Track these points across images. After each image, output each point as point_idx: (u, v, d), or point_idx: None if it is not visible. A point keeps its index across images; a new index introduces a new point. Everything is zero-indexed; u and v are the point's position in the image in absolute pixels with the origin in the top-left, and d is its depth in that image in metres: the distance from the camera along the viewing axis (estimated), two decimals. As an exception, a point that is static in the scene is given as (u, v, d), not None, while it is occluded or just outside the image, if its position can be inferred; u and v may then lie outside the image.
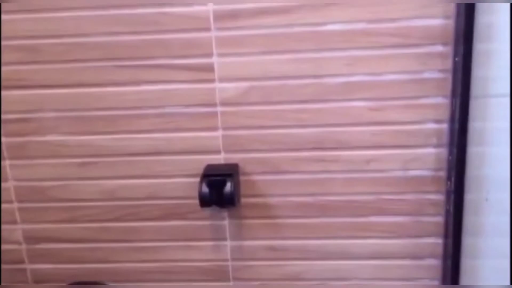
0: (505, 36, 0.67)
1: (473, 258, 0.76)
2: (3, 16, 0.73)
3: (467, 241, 0.75)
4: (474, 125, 0.70)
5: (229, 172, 0.73)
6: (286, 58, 0.72)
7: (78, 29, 0.72)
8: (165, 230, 0.81)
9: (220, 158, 0.76)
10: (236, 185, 0.74)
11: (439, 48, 0.69)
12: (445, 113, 0.72)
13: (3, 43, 0.74)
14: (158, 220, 0.80)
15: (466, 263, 0.76)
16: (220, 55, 0.72)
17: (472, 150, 0.71)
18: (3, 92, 0.76)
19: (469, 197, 0.73)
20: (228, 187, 0.71)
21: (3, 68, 0.75)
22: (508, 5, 0.66)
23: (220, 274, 0.82)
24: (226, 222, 0.80)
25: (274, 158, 0.76)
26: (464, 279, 0.77)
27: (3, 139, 0.78)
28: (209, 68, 0.73)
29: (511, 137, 0.71)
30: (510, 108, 0.70)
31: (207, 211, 0.79)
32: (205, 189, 0.71)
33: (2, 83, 0.76)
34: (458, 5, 0.65)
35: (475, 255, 0.76)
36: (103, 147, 0.77)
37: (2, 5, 0.72)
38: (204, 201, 0.72)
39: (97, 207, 0.80)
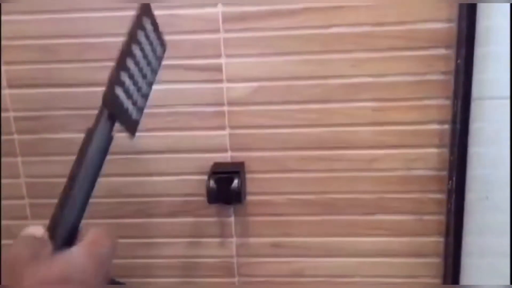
0: (506, 39, 0.69)
1: (474, 257, 0.78)
2: (16, 17, 0.75)
3: (468, 240, 0.77)
4: (475, 126, 0.72)
5: (236, 169, 0.75)
6: (293, 60, 0.74)
7: (90, 30, 0.75)
8: (173, 227, 0.83)
9: (227, 156, 0.78)
10: (243, 183, 0.76)
11: (442, 51, 0.71)
12: (447, 114, 0.73)
13: (16, 43, 0.76)
14: (166, 217, 0.82)
15: (467, 261, 0.78)
16: (228, 56, 0.74)
17: (473, 151, 0.73)
18: (16, 91, 0.78)
19: (470, 196, 0.75)
20: (235, 184, 0.73)
21: (16, 67, 0.77)
22: (509, 9, 0.67)
23: (225, 270, 0.84)
24: (232, 219, 0.82)
25: (279, 156, 0.78)
26: (465, 277, 0.78)
27: (15, 136, 0.80)
28: (218, 69, 0.75)
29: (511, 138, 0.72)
30: (510, 110, 0.71)
31: (213, 208, 0.81)
32: (213, 185, 0.73)
33: (15, 82, 0.78)
34: (461, 9, 0.67)
35: (476, 253, 0.78)
36: (113, 145, 0.79)
37: (16, 5, 0.74)
38: (212, 197, 0.73)
39: (106, 203, 0.82)
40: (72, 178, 0.39)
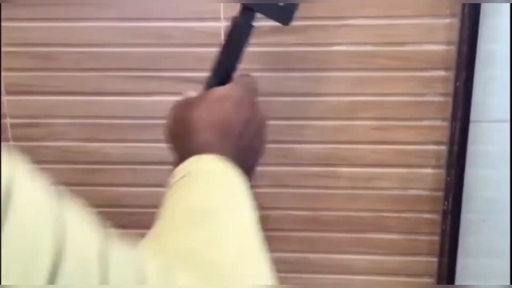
0: (506, 63, 0.70)
1: (468, 278, 0.78)
2: (17, 23, 0.75)
3: (462, 262, 0.77)
4: (473, 148, 0.72)
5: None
6: (293, 76, 0.74)
7: (91, 39, 0.74)
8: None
9: (224, 170, 0.78)
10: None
11: (442, 73, 0.72)
12: (444, 136, 0.74)
13: (17, 49, 0.76)
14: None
15: (460, 283, 0.78)
16: (229, 70, 0.74)
17: (470, 173, 0.74)
18: (15, 97, 0.78)
19: (466, 218, 0.75)
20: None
21: (16, 74, 0.77)
22: (509, 34, 0.68)
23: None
24: (227, 233, 0.81)
25: (276, 171, 0.78)
26: (458, 298, 0.79)
27: (11, 143, 0.80)
28: (218, 82, 0.75)
29: (511, 161, 0.73)
30: (510, 133, 0.72)
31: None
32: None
33: (15, 89, 0.77)
34: (461, 32, 0.68)
35: (470, 276, 0.78)
36: (111, 154, 0.79)
37: (16, 12, 0.74)
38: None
39: (103, 213, 0.81)
40: (222, 48, 0.52)
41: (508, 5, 0.67)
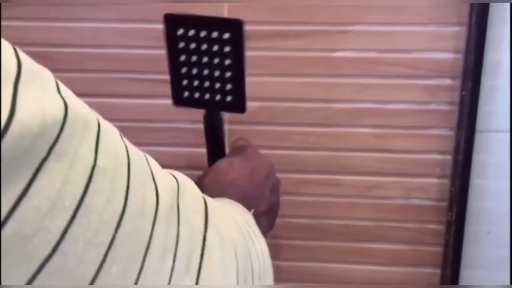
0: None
1: (470, 290, 0.77)
2: (19, 23, 0.74)
3: (465, 273, 0.75)
4: (478, 158, 0.71)
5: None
6: (296, 81, 0.73)
7: (94, 40, 0.74)
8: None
9: (224, 176, 0.77)
10: (239, 203, 0.74)
11: (448, 81, 0.71)
12: (449, 145, 0.73)
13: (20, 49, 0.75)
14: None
15: (462, 294, 0.77)
16: (232, 74, 0.73)
17: (476, 183, 0.72)
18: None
19: (470, 229, 0.74)
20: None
21: (16, 73, 0.76)
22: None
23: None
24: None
25: (278, 178, 0.77)
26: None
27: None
28: (220, 86, 0.74)
29: (514, 172, 0.72)
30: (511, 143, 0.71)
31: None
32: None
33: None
34: (468, 41, 0.67)
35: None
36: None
37: (19, 11, 0.73)
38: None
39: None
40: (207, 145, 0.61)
41: (516, 13, 0.66)
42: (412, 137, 0.73)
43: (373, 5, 0.69)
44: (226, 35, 0.53)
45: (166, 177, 0.35)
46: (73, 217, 0.24)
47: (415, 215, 0.76)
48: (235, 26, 0.53)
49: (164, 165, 0.80)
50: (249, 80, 0.73)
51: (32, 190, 0.22)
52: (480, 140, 0.71)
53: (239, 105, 0.56)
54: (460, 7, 0.68)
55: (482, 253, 0.75)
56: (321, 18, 0.70)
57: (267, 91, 0.73)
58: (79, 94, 0.81)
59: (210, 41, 0.54)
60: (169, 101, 0.75)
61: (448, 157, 0.73)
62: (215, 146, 0.61)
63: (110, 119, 0.79)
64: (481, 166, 0.72)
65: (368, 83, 0.72)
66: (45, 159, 0.23)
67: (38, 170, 0.23)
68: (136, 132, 0.76)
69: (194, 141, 0.76)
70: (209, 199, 0.40)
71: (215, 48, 0.54)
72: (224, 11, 0.71)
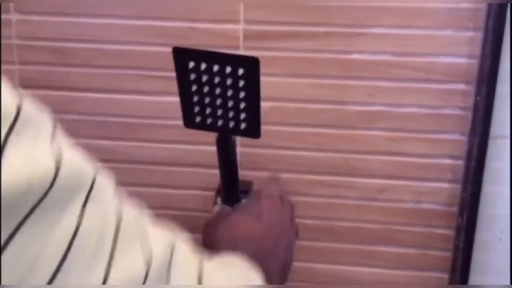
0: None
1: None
2: (33, 17, 0.74)
3: (474, 279, 0.75)
4: (491, 164, 0.71)
5: (245, 189, 0.73)
6: (309, 82, 0.73)
7: (107, 36, 0.74)
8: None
9: (235, 175, 0.77)
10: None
11: (462, 86, 0.70)
12: (461, 150, 0.73)
13: (32, 43, 0.75)
14: (167, 231, 0.81)
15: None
16: (245, 73, 0.73)
17: (487, 189, 0.72)
18: (29, 91, 0.77)
19: (480, 235, 0.74)
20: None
21: (31, 67, 0.76)
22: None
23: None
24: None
25: (288, 179, 0.77)
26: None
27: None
28: (233, 86, 0.74)
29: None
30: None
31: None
32: (220, 204, 0.71)
33: (29, 83, 0.77)
34: (484, 46, 0.67)
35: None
36: (120, 153, 0.78)
37: (34, 5, 0.73)
38: (217, 216, 0.72)
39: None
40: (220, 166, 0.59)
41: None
42: (424, 141, 0.73)
43: (390, 7, 0.69)
44: (241, 71, 0.52)
45: (160, 239, 0.33)
46: (49, 282, 0.22)
47: (424, 219, 0.76)
48: (250, 64, 0.51)
49: (175, 163, 0.80)
50: (262, 80, 0.73)
51: (9, 248, 0.21)
52: (493, 146, 0.70)
53: (253, 131, 0.56)
54: (476, 12, 0.67)
55: (492, 260, 0.75)
56: (337, 19, 0.70)
57: (280, 91, 0.73)
58: (91, 90, 0.82)
59: (223, 75, 0.53)
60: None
61: (460, 162, 0.73)
62: (228, 167, 0.60)
63: (121, 115, 0.79)
64: (494, 172, 0.71)
65: (382, 86, 0.72)
66: (26, 218, 0.22)
67: (16, 229, 0.22)
68: (147, 128, 0.77)
69: (205, 139, 0.76)
70: (206, 266, 0.38)
71: (229, 82, 0.53)
72: (241, 10, 0.71)
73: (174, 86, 0.75)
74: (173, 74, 0.74)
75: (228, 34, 0.72)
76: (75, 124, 0.77)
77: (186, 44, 0.72)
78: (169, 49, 0.73)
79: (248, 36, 0.72)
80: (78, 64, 0.75)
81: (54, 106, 0.78)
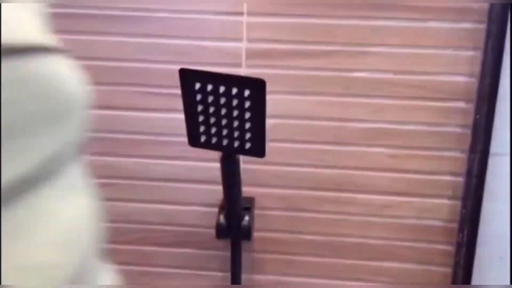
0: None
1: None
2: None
3: (475, 294, 0.76)
4: (491, 182, 0.72)
5: (247, 205, 0.74)
6: (313, 100, 0.74)
7: (113, 53, 0.74)
8: (177, 257, 0.81)
9: (238, 191, 0.77)
10: (252, 219, 0.75)
11: (462, 104, 0.72)
12: (461, 167, 0.74)
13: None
14: (170, 246, 0.81)
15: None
16: (249, 91, 0.74)
17: (487, 206, 0.73)
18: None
19: (480, 251, 0.75)
20: (246, 221, 0.72)
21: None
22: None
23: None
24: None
25: (291, 195, 0.77)
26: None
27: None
28: (237, 103, 0.74)
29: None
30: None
31: (219, 242, 0.80)
32: (223, 221, 0.71)
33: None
34: (483, 65, 0.68)
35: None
36: (124, 169, 0.78)
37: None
38: (221, 233, 0.72)
39: (110, 228, 0.80)
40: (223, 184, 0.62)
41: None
42: (425, 158, 0.74)
43: (391, 26, 0.70)
44: (247, 92, 0.53)
45: None
46: None
47: (425, 235, 0.77)
48: (256, 85, 0.53)
49: (178, 179, 0.80)
50: (267, 97, 0.74)
51: None
52: (493, 164, 0.72)
53: (258, 151, 0.57)
54: (476, 32, 0.69)
55: (494, 277, 0.76)
56: (341, 38, 0.71)
57: (283, 108, 0.74)
58: (97, 106, 0.82)
59: (229, 96, 0.54)
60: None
61: (460, 179, 0.74)
62: (231, 185, 0.63)
63: (126, 132, 0.80)
64: (493, 190, 0.73)
65: (384, 104, 0.73)
66: None
67: None
68: (151, 145, 0.77)
69: (209, 156, 0.76)
70: None
71: (235, 102, 0.54)
72: (243, 29, 0.72)
73: (179, 103, 0.75)
74: (177, 91, 0.75)
75: (231, 52, 0.73)
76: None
77: (192, 61, 0.74)
78: (174, 67, 0.74)
79: (250, 54, 0.73)
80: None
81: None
